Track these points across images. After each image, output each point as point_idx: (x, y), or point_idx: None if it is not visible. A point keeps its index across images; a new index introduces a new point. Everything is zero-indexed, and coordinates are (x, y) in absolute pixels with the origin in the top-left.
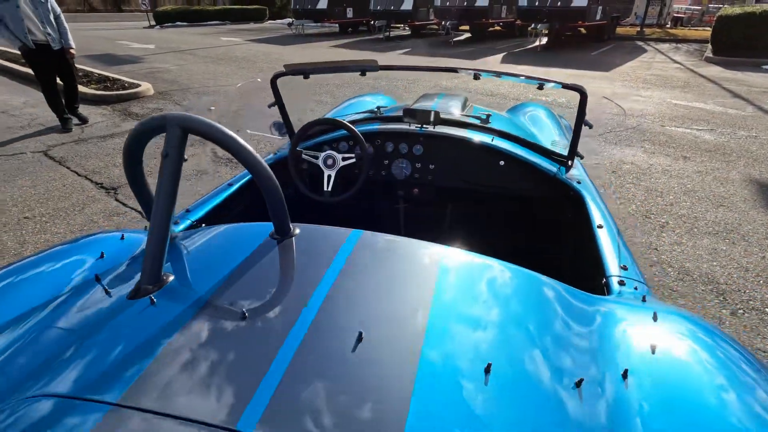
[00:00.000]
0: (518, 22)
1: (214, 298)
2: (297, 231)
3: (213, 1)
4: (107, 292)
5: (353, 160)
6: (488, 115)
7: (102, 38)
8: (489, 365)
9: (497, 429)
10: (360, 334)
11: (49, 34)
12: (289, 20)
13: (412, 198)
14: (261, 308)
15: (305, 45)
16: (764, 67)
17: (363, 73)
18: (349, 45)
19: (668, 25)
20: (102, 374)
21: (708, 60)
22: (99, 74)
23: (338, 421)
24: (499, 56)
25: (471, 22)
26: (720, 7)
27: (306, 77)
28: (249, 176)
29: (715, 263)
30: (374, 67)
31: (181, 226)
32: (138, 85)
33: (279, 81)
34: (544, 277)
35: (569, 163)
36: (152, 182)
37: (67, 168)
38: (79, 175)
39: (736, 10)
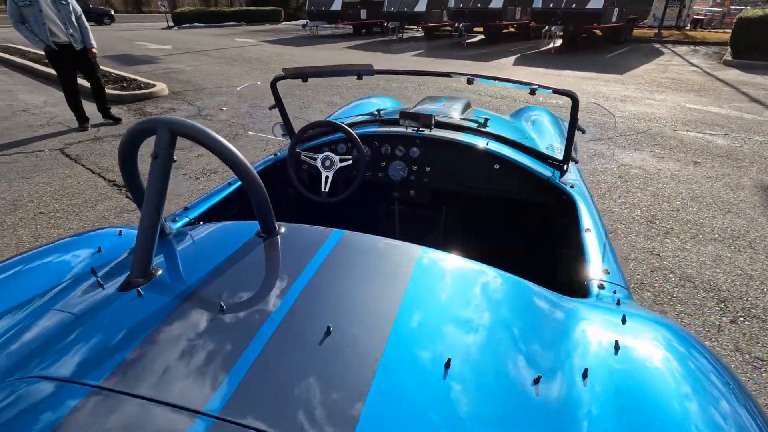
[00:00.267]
0: (532, 23)
1: (197, 291)
2: (282, 230)
3: (230, 2)
4: (100, 284)
5: (350, 162)
6: (486, 119)
7: (121, 39)
8: (449, 360)
9: (450, 421)
10: (328, 328)
11: (71, 35)
12: (304, 21)
13: (408, 200)
14: (239, 301)
15: (318, 46)
16: None
17: (359, 77)
18: (362, 46)
19: (688, 27)
20: (86, 359)
21: (726, 63)
22: (116, 74)
23: (298, 407)
24: (512, 58)
25: (484, 23)
26: (742, 9)
27: (304, 81)
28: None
29: (718, 270)
30: (370, 71)
31: (179, 224)
32: (153, 86)
33: (282, 84)
34: (516, 278)
35: (564, 167)
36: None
37: (82, 166)
38: (93, 172)
39: (757, 12)
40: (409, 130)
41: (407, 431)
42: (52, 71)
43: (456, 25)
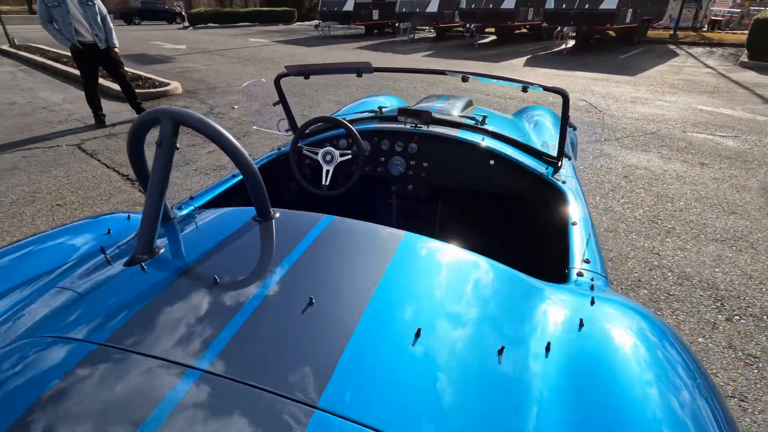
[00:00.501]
0: (544, 24)
1: (194, 267)
2: (277, 215)
3: (244, 3)
4: (108, 261)
5: (350, 157)
6: (484, 117)
7: (138, 39)
8: (419, 330)
9: (415, 381)
10: (311, 299)
11: (96, 35)
12: (316, 22)
13: (406, 194)
14: (231, 275)
15: (330, 46)
16: None
17: (359, 75)
18: (373, 47)
19: (705, 29)
20: (93, 322)
21: (743, 65)
22: (132, 73)
23: (278, 364)
24: (523, 59)
25: (496, 24)
26: (762, 10)
27: (306, 78)
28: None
29: (717, 270)
30: (369, 68)
31: (184, 211)
32: (167, 84)
33: (293, 84)
34: (493, 262)
35: (558, 163)
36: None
37: (98, 160)
38: (107, 167)
39: None
40: (408, 126)
41: (375, 388)
42: (71, 70)
43: (468, 25)
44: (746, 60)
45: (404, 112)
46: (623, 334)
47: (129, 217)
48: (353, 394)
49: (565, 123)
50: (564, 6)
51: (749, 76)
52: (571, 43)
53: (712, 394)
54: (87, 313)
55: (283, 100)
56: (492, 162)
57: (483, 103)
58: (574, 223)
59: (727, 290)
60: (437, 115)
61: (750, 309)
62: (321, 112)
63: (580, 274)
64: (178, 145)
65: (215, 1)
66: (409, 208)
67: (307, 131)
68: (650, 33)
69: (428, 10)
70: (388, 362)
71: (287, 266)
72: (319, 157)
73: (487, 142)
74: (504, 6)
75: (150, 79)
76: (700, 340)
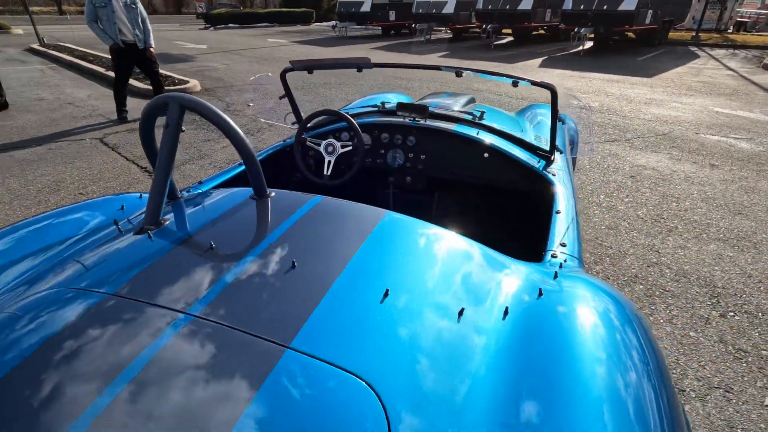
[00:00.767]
0: (562, 26)
1: (194, 236)
2: (272, 194)
3: (264, 4)
4: (120, 231)
5: (350, 148)
6: (483, 113)
7: (161, 39)
8: (387, 290)
9: (379, 332)
10: (293, 262)
11: (137, 36)
12: (333, 23)
13: (404, 185)
14: (226, 243)
15: (347, 47)
16: None
17: (359, 70)
18: (389, 47)
19: (730, 30)
20: (106, 276)
21: (766, 67)
22: None
23: (260, 312)
24: (539, 60)
25: (513, 25)
26: None
27: (310, 72)
28: (260, 156)
29: (717, 268)
30: (368, 64)
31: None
32: (186, 82)
33: (308, 84)
34: (468, 239)
35: (551, 157)
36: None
37: (118, 153)
38: (127, 159)
39: None
40: (406, 120)
41: (344, 334)
42: (96, 68)
43: (484, 26)
44: None
45: (403, 106)
46: (580, 306)
47: (141, 196)
48: (324, 339)
49: (554, 118)
50: (582, 7)
51: None
52: (589, 44)
53: (660, 378)
54: (100, 270)
55: (288, 94)
56: (486, 155)
57: (495, 103)
58: (558, 212)
59: (724, 288)
60: (435, 110)
61: (746, 306)
62: (331, 107)
63: (554, 256)
64: (183, 128)
65: (236, 3)
66: (407, 198)
67: (312, 124)
68: (672, 35)
69: (445, 11)
70: (357, 315)
71: (276, 236)
72: (322, 149)
73: (481, 136)
74: (521, 7)
75: (170, 77)
76: (691, 333)
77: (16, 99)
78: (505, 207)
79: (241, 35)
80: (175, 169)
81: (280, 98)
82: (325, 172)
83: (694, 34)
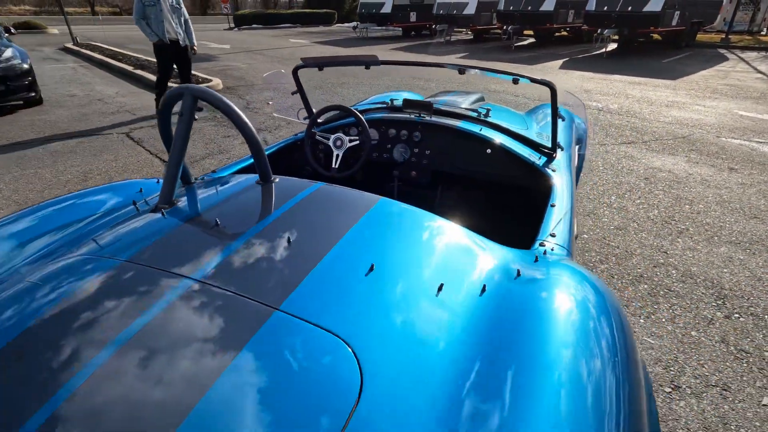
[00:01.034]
0: (585, 27)
1: (202, 214)
2: (277, 180)
3: (288, 5)
4: (137, 209)
5: (358, 143)
6: (488, 110)
7: None
8: (372, 265)
9: (359, 298)
10: (289, 239)
11: (179, 34)
12: (355, 24)
13: (409, 179)
14: (230, 221)
15: (367, 47)
16: None
17: (367, 67)
18: (408, 48)
19: (764, 32)
20: (122, 246)
21: None
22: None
23: (255, 277)
24: (560, 62)
25: (535, 27)
26: None
27: (320, 69)
28: (272, 149)
29: (725, 270)
30: (375, 61)
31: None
32: (210, 81)
33: (327, 85)
34: (457, 226)
35: (553, 154)
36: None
37: (143, 147)
38: (151, 153)
39: None
40: (412, 116)
41: (330, 301)
42: (126, 66)
43: (505, 27)
44: None
45: (409, 103)
46: (557, 289)
47: (158, 181)
48: (310, 303)
49: (554, 115)
50: (606, 8)
51: None
52: (612, 46)
53: (626, 369)
54: (117, 242)
55: (300, 90)
56: (489, 151)
57: (511, 104)
58: (552, 205)
59: (731, 290)
60: (441, 107)
61: (752, 309)
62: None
63: (542, 244)
64: (196, 117)
65: (260, 4)
66: (411, 192)
67: (322, 119)
68: (700, 37)
69: (466, 12)
70: (342, 285)
71: (276, 216)
72: (330, 143)
73: (485, 133)
74: (543, 8)
75: (194, 75)
76: (693, 333)
77: (50, 95)
78: (505, 200)
79: (264, 36)
80: (196, 164)
81: (293, 94)
82: (333, 165)
83: (723, 36)
